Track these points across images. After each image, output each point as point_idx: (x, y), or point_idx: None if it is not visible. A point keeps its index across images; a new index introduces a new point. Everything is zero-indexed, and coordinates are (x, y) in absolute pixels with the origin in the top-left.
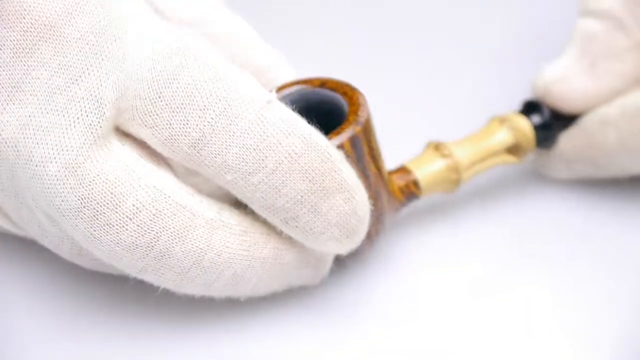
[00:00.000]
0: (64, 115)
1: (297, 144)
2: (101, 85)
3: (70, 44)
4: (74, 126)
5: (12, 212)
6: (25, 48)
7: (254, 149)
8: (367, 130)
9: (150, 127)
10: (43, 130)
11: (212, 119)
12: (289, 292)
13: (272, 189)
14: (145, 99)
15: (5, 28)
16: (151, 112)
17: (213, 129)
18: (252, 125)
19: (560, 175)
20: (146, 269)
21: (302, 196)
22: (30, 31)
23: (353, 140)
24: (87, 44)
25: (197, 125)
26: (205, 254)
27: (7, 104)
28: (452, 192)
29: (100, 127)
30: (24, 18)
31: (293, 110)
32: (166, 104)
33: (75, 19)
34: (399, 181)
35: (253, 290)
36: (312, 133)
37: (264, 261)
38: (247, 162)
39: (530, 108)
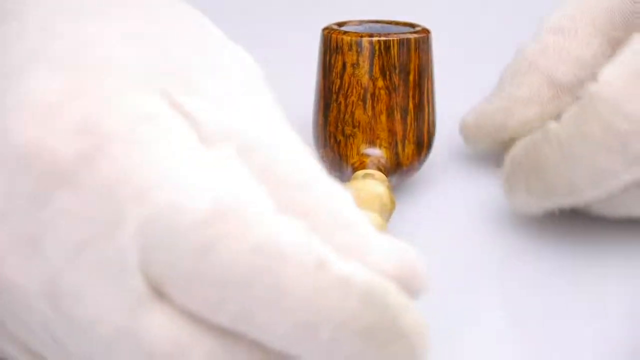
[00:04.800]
0: (98, 273)
1: (353, 306)
2: (126, 246)
3: (90, 193)
4: (113, 286)
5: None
6: (41, 196)
7: (307, 324)
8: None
9: (186, 298)
10: (79, 289)
11: (256, 294)
12: None
13: (324, 354)
14: (178, 271)
15: (18, 174)
16: (184, 285)
17: (257, 305)
18: (303, 299)
19: (528, 208)
20: None
21: (358, 356)
22: (46, 176)
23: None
24: (109, 195)
25: (238, 300)
26: None
27: (30, 258)
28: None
29: (139, 288)
30: (38, 161)
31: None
32: (201, 279)
33: (96, 163)
34: (369, 162)
35: None
36: (371, 282)
37: None
38: (297, 336)
39: None
